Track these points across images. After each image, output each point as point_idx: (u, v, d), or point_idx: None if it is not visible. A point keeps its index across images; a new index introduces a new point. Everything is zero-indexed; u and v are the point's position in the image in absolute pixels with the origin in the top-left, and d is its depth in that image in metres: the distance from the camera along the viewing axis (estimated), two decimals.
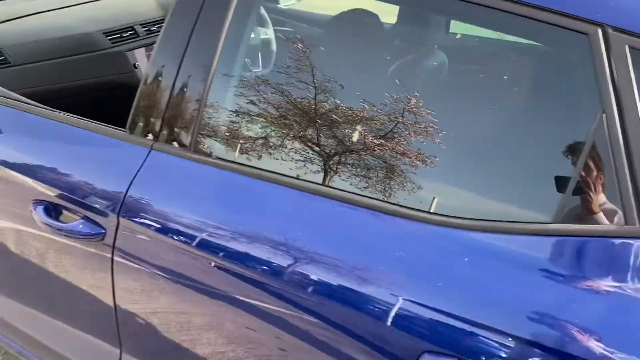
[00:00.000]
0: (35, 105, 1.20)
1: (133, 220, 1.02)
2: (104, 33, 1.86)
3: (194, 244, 0.96)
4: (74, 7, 1.92)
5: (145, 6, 2.12)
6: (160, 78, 1.04)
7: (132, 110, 1.08)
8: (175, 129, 1.03)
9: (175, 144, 1.02)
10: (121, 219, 1.03)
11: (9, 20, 1.70)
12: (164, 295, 1.05)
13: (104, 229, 1.06)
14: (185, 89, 1.01)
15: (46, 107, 1.19)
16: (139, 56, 1.95)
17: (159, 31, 2.10)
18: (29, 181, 1.14)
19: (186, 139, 1.01)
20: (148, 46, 1.99)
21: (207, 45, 1.00)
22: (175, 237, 0.98)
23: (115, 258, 1.06)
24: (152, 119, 1.05)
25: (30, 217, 1.14)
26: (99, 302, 1.15)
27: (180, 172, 1.02)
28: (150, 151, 1.04)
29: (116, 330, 1.15)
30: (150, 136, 1.05)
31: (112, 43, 1.88)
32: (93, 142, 1.11)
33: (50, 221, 1.10)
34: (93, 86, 1.79)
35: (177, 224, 0.98)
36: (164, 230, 0.99)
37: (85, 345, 1.25)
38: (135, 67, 1.92)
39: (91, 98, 1.70)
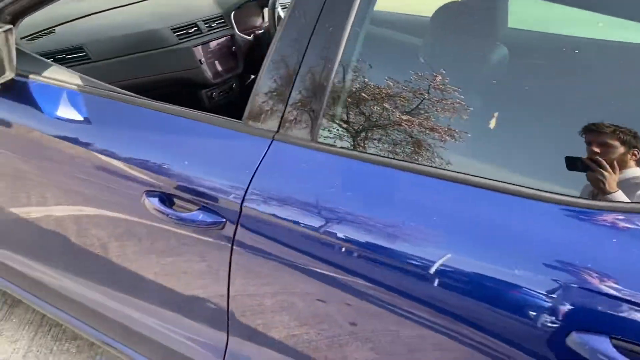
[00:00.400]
0: (145, 99, 1.23)
1: (256, 210, 1.05)
2: (171, 29, 1.89)
3: (319, 233, 0.99)
4: (139, 3, 1.95)
5: (202, 3, 2.15)
6: (281, 69, 1.07)
7: (249, 102, 1.11)
8: (298, 119, 1.05)
9: (297, 134, 1.05)
10: (244, 209, 1.06)
11: (85, 16, 1.73)
12: (281, 284, 1.08)
13: (223, 218, 1.09)
14: (308, 79, 1.04)
15: (156, 100, 1.21)
16: (204, 52, 1.97)
17: (219, 28, 2.15)
18: (142, 173, 1.16)
19: (309, 128, 1.04)
20: (210, 42, 2.01)
21: (333, 35, 1.02)
22: (299, 226, 1.00)
23: (235, 247, 1.09)
24: (272, 110, 1.07)
25: (141, 208, 1.17)
26: (211, 289, 1.18)
27: (304, 162, 1.04)
28: (272, 142, 1.06)
29: (226, 316, 1.18)
30: (270, 127, 1.07)
31: (179, 39, 1.90)
32: (209, 134, 1.14)
33: (167, 210, 1.13)
34: (164, 82, 1.81)
35: (302, 214, 1.01)
36: (288, 220, 1.02)
37: (191, 331, 1.28)
38: (201, 63, 1.95)
39: (162, 94, 1.72)
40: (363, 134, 1.05)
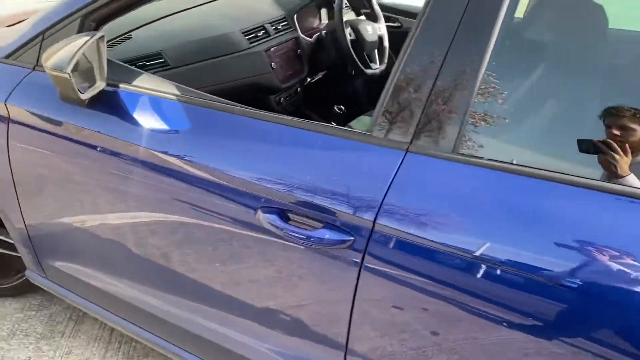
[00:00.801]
0: (251, 109, 1.15)
1: (391, 227, 0.97)
2: (242, 33, 1.81)
3: (464, 253, 0.90)
4: (205, 4, 1.87)
5: (264, 4, 2.07)
6: (416, 76, 0.99)
7: (376, 112, 1.03)
8: (436, 130, 0.97)
9: (435, 145, 0.97)
10: (377, 226, 0.98)
11: (156, 20, 1.65)
12: (415, 307, 1.00)
13: (352, 236, 1.01)
14: (449, 87, 0.95)
15: (267, 111, 1.14)
16: (273, 56, 1.89)
17: (283, 30, 2.07)
18: (258, 187, 1.08)
19: (449, 139, 0.96)
20: (278, 46, 1.94)
21: (478, 39, 0.94)
22: (441, 245, 0.92)
23: (366, 264, 1.01)
24: (406, 120, 0.99)
25: (253, 224, 1.10)
26: (332, 307, 1.10)
27: (444, 175, 0.96)
28: (406, 153, 0.98)
29: (346, 335, 1.11)
30: (403, 138, 0.99)
31: (250, 43, 1.82)
32: (331, 146, 1.06)
33: (288, 227, 1.05)
34: (238, 88, 1.74)
35: (444, 231, 0.93)
36: (428, 239, 0.94)
37: (301, 353, 1.20)
38: (272, 68, 1.87)
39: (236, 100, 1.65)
40: (512, 144, 0.97)
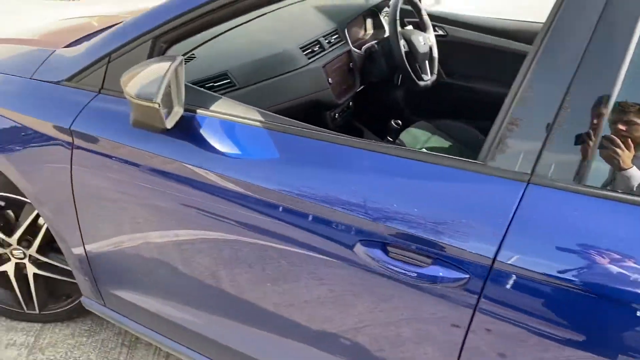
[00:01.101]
0: (340, 136, 1.09)
1: (513, 265, 0.90)
2: (300, 48, 1.75)
3: (598, 295, 0.84)
4: (257, 19, 1.81)
5: (315, 16, 2.01)
6: (537, 101, 0.92)
7: (489, 141, 0.96)
8: (561, 160, 0.91)
9: (561, 176, 0.90)
10: (497, 263, 0.92)
11: (213, 38, 1.59)
12: (535, 352, 0.94)
13: (467, 273, 0.95)
14: (574, 115, 0.89)
15: (359, 138, 1.08)
16: (329, 71, 1.83)
17: (336, 43, 2.01)
18: (357, 219, 1.02)
19: (576, 170, 0.89)
20: (333, 60, 1.87)
21: (609, 62, 0.87)
22: (572, 285, 0.86)
23: (481, 305, 0.95)
24: (524, 150, 0.93)
25: (350, 257, 1.04)
26: (439, 345, 1.04)
27: (572, 208, 0.90)
28: (527, 185, 0.92)
29: None
30: (522, 168, 0.93)
31: (308, 59, 1.76)
32: (439, 177, 1.00)
33: (390, 262, 0.99)
34: (299, 107, 1.67)
35: (576, 271, 0.87)
36: (558, 277, 0.87)
37: None
38: (330, 84, 1.81)
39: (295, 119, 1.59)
40: None
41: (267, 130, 1.16)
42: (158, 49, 1.28)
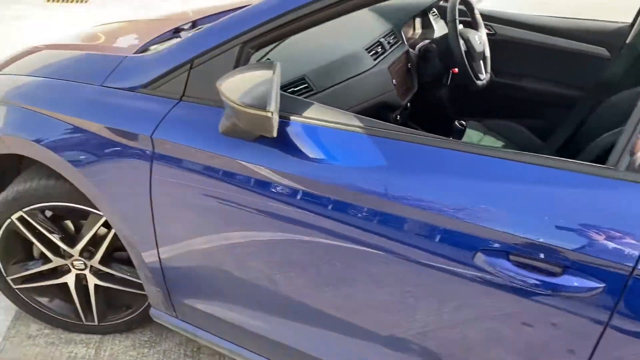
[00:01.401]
0: (448, 141, 1.06)
1: None
2: (365, 49, 1.71)
3: None
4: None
5: (371, 17, 1.98)
6: None
7: (621, 146, 0.93)
8: None
9: None
10: (637, 271, 0.89)
11: (282, 41, 1.55)
12: None
13: (602, 282, 0.92)
14: None
15: (470, 143, 1.04)
16: (392, 72, 1.80)
17: (394, 44, 1.98)
18: (478, 228, 0.99)
19: None
20: (395, 61, 1.84)
21: None
22: None
23: (615, 316, 0.92)
24: None
25: (470, 267, 1.01)
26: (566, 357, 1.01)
27: None
28: None
29: None
30: None
31: (374, 60, 1.73)
32: (569, 183, 0.96)
33: (516, 271, 0.97)
34: (367, 110, 1.64)
35: None
36: None
37: None
38: (394, 85, 1.78)
39: None
40: None
41: (367, 136, 1.13)
42: (245, 54, 1.25)
